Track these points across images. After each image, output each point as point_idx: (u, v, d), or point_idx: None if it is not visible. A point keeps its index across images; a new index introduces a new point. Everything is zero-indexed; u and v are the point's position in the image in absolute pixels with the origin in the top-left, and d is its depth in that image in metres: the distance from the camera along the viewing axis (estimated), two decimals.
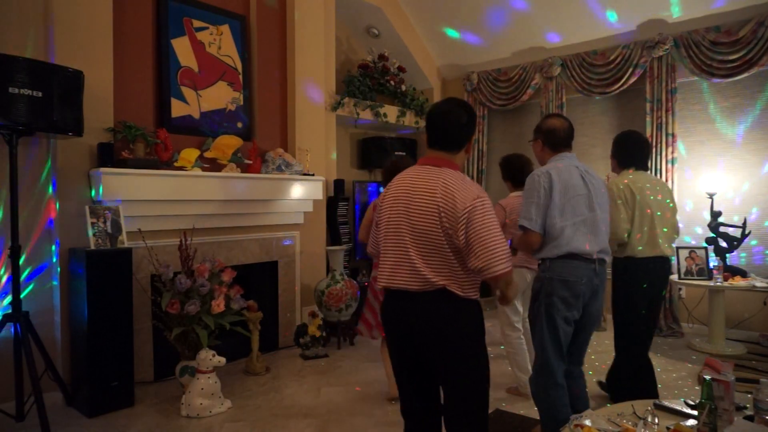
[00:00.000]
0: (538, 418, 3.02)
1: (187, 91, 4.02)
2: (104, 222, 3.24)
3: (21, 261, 2.97)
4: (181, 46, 4.00)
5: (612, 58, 5.26)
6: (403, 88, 6.05)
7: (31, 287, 3.25)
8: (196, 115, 4.08)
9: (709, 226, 4.58)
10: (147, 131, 3.65)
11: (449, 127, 1.87)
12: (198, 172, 3.83)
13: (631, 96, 5.32)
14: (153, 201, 3.59)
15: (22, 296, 2.93)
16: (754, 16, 4.49)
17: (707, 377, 1.68)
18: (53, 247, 3.34)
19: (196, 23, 4.10)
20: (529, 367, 3.26)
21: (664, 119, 4.98)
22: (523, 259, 3.36)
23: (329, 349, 4.41)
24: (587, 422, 1.78)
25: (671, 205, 3.04)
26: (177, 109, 3.96)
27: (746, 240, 4.43)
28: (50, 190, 3.32)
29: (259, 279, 4.45)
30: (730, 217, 4.69)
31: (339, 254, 4.64)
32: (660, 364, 4.05)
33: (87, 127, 3.11)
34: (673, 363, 4.09)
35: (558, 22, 5.43)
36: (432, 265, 1.77)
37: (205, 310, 3.32)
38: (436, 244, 1.76)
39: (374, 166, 6.21)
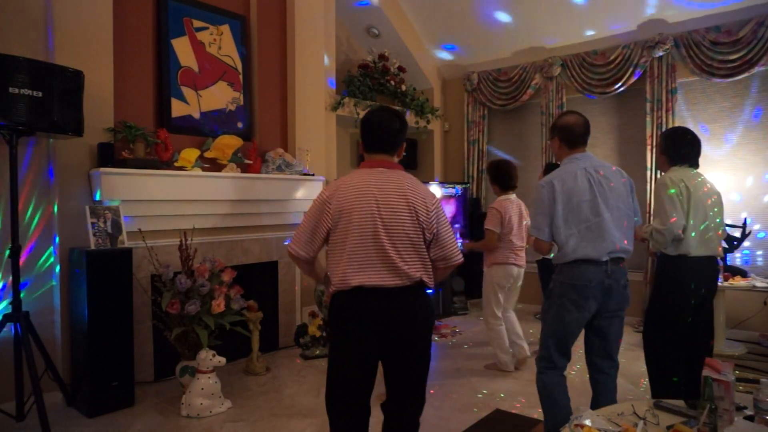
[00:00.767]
0: (538, 418, 3.04)
1: (187, 91, 4.02)
2: (104, 222, 3.24)
3: (21, 261, 2.97)
4: (181, 46, 4.00)
5: (612, 58, 5.26)
6: (403, 88, 6.05)
7: (31, 287, 3.25)
8: (196, 115, 4.08)
9: None
10: (147, 131, 3.65)
11: (387, 133, 2.03)
12: (198, 172, 3.83)
13: (632, 96, 5.32)
14: (153, 201, 3.59)
15: (22, 296, 2.93)
16: (754, 17, 4.49)
17: (707, 377, 1.68)
18: (53, 247, 3.34)
19: (196, 23, 4.10)
20: (508, 347, 3.92)
21: (664, 119, 4.98)
22: (508, 256, 3.84)
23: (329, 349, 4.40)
24: (587, 422, 1.78)
25: (720, 204, 2.92)
26: (177, 109, 3.96)
27: (746, 240, 4.43)
28: (50, 190, 3.32)
29: (259, 279, 4.45)
30: (730, 217, 4.68)
31: None
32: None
33: (87, 127, 3.11)
34: None
35: (558, 21, 5.43)
36: (408, 260, 1.90)
37: (205, 310, 3.32)
38: (412, 240, 1.91)
39: None
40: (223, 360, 3.23)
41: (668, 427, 1.70)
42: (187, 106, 4.02)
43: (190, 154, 3.82)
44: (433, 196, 2.02)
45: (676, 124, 4.97)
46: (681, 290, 2.78)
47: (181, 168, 3.78)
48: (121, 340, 3.21)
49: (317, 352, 4.25)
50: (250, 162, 4.23)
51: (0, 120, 2.63)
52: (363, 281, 1.86)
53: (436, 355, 4.02)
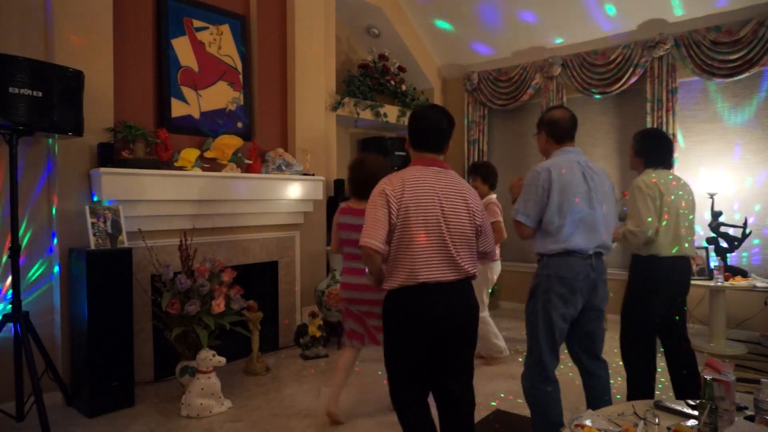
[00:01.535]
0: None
1: (187, 91, 4.02)
2: (104, 222, 3.24)
3: (21, 261, 2.97)
4: (181, 46, 4.00)
5: (612, 57, 5.26)
6: (404, 87, 6.05)
7: (31, 287, 3.25)
8: (196, 115, 4.08)
9: (709, 226, 4.57)
10: (147, 131, 3.65)
11: (439, 132, 2.13)
12: (198, 172, 3.83)
13: (632, 96, 5.32)
14: (153, 201, 3.58)
15: (22, 296, 2.93)
16: (754, 16, 4.49)
17: (708, 377, 1.67)
18: (53, 247, 3.33)
19: (196, 23, 4.10)
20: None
21: (664, 119, 4.98)
22: (498, 253, 4.11)
23: (329, 350, 4.40)
24: (587, 422, 1.78)
25: (693, 205, 2.98)
26: (177, 109, 3.96)
27: (746, 240, 4.43)
28: (50, 190, 3.32)
29: (260, 279, 4.45)
30: (730, 217, 4.68)
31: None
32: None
33: (87, 127, 3.11)
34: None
35: (558, 21, 5.43)
36: (464, 255, 2.04)
37: (205, 310, 3.32)
38: (468, 236, 2.06)
39: None
40: (223, 360, 3.23)
41: (668, 428, 1.70)
42: (187, 106, 4.02)
43: (190, 154, 3.82)
44: (476, 193, 2.19)
45: (677, 124, 4.97)
46: (652, 290, 2.83)
47: (181, 168, 3.77)
48: (121, 340, 3.21)
49: (318, 351, 4.25)
50: (250, 162, 4.23)
51: (0, 120, 2.62)
52: (428, 277, 1.95)
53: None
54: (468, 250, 2.06)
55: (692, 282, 4.36)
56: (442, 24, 6.07)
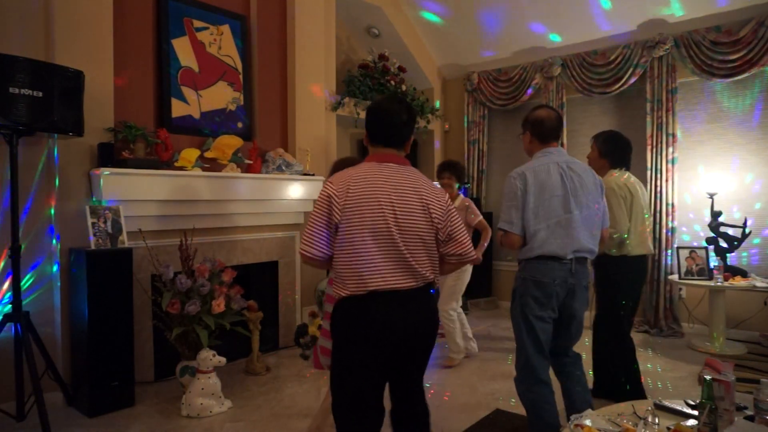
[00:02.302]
0: None
1: (187, 91, 4.02)
2: (104, 222, 3.24)
3: (21, 261, 2.97)
4: (182, 46, 4.00)
5: (612, 58, 5.26)
6: (404, 88, 6.05)
7: (31, 287, 3.25)
8: (197, 115, 4.08)
9: (709, 226, 4.58)
10: (147, 131, 3.65)
11: (396, 125, 1.91)
12: (198, 172, 3.83)
13: (632, 96, 5.32)
14: (153, 201, 3.59)
15: (22, 296, 2.93)
16: (754, 16, 4.49)
17: (708, 377, 1.67)
18: (53, 247, 3.33)
19: (197, 23, 4.10)
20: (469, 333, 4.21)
21: (664, 119, 4.98)
22: None
23: None
24: (587, 422, 1.78)
25: (647, 205, 3.17)
26: (177, 109, 3.96)
27: (746, 240, 4.43)
28: (51, 190, 3.32)
29: (260, 279, 4.45)
30: (730, 217, 4.69)
31: None
32: (660, 364, 4.06)
33: (87, 127, 3.11)
34: (673, 363, 4.09)
35: (558, 21, 5.43)
36: (420, 259, 1.83)
37: (205, 310, 3.32)
38: (424, 239, 1.84)
39: None
40: (223, 360, 3.23)
41: (668, 428, 1.70)
42: (188, 106, 4.02)
43: (190, 154, 3.82)
44: (444, 193, 1.96)
45: (677, 125, 4.97)
46: (621, 288, 2.97)
47: (181, 168, 3.77)
48: (122, 340, 3.22)
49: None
50: (251, 162, 4.23)
51: (0, 120, 2.63)
52: (379, 284, 1.76)
53: (435, 355, 4.02)
54: (426, 254, 1.84)
55: (693, 282, 4.46)
56: (442, 24, 6.07)
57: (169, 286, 3.33)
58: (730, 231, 4.51)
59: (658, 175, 4.99)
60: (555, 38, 5.63)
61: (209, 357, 3.19)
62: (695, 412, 1.79)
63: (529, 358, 2.35)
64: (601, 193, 2.47)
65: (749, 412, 1.83)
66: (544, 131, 2.44)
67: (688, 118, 5.02)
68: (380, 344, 1.78)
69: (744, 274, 4.39)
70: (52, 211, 3.32)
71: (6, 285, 3.13)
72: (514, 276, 2.50)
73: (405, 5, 6.05)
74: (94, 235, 3.18)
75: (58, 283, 3.31)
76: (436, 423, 2.89)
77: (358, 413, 1.83)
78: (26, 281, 3.21)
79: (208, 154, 4.02)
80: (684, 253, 4.53)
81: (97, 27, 3.42)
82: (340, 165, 2.64)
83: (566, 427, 1.81)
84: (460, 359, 4.08)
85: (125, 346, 3.24)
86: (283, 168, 4.37)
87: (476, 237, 4.04)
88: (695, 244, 4.87)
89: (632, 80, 5.15)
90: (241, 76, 4.40)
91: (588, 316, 2.84)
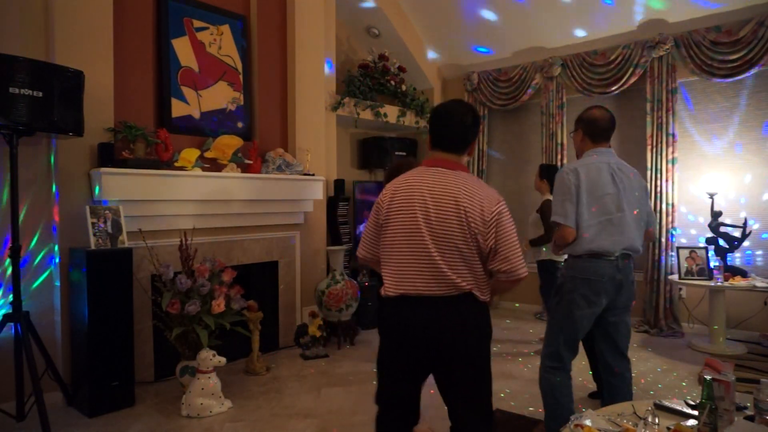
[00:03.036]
0: (538, 417, 3.03)
1: (187, 91, 4.02)
2: (105, 222, 3.24)
3: (21, 261, 2.97)
4: (182, 46, 4.00)
5: (612, 58, 5.26)
6: (404, 88, 6.05)
7: (31, 287, 3.25)
8: (197, 115, 4.08)
9: (709, 226, 4.58)
10: (147, 131, 3.65)
11: (457, 129, 1.85)
12: (198, 172, 3.83)
13: (632, 96, 5.32)
14: (153, 201, 3.59)
15: (22, 296, 2.93)
16: (754, 16, 4.49)
17: (708, 377, 1.67)
18: (54, 247, 3.34)
19: (197, 23, 4.10)
20: None
21: (664, 119, 4.98)
22: None
23: (329, 349, 4.41)
24: (587, 422, 1.78)
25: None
26: (177, 109, 3.96)
27: (746, 240, 4.44)
28: (51, 190, 3.32)
29: (260, 279, 4.45)
30: (730, 217, 4.68)
31: (339, 254, 4.65)
32: (660, 363, 4.06)
33: (87, 127, 3.11)
34: (673, 363, 4.09)
35: (558, 21, 5.43)
36: (456, 269, 1.75)
37: (205, 310, 3.32)
38: (459, 248, 1.74)
39: (374, 166, 6.21)
40: (223, 360, 3.23)
41: (668, 428, 1.70)
42: (188, 106, 4.03)
43: (190, 154, 3.83)
44: (498, 201, 1.78)
45: (677, 125, 4.97)
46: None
47: (181, 168, 3.78)
48: (122, 340, 3.22)
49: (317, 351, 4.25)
50: (251, 162, 4.23)
51: (0, 120, 2.63)
52: (408, 289, 1.76)
53: None
54: (466, 266, 1.75)
55: (692, 282, 4.46)
56: (442, 24, 6.06)
57: (169, 286, 3.33)
58: (731, 231, 4.51)
59: (658, 175, 4.99)
60: (555, 38, 5.62)
61: (209, 357, 3.19)
62: (695, 412, 1.79)
63: (559, 348, 2.42)
64: (646, 195, 2.53)
65: (749, 412, 1.83)
66: (597, 131, 2.46)
67: (688, 118, 5.02)
68: (405, 346, 1.81)
69: (744, 274, 4.39)
70: (53, 211, 3.32)
71: (6, 285, 3.13)
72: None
73: (405, 5, 6.04)
74: (94, 235, 3.18)
75: (58, 283, 3.31)
76: (434, 421, 2.89)
77: (385, 409, 1.93)
78: (26, 281, 3.21)
79: (208, 154, 4.02)
80: (684, 253, 4.53)
81: (97, 27, 3.42)
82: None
83: (566, 426, 1.81)
84: None
85: (125, 346, 3.24)
86: (283, 168, 4.37)
87: None
88: (695, 244, 4.87)
89: (632, 80, 5.15)
90: (241, 76, 4.40)
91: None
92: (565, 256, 2.53)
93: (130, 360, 3.27)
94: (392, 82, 5.90)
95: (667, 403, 1.96)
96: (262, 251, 4.39)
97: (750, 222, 4.56)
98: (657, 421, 1.74)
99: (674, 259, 4.89)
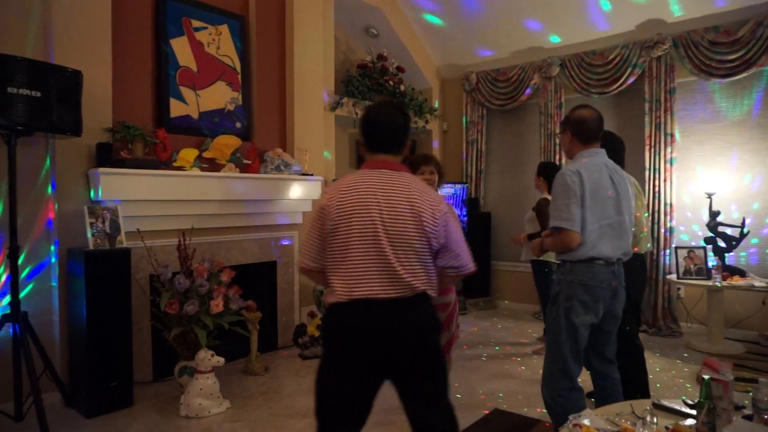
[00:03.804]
0: (536, 418, 3.04)
1: (185, 91, 4.02)
2: (103, 222, 3.24)
3: (20, 261, 2.97)
4: (180, 46, 3.99)
5: (611, 58, 5.26)
6: (402, 88, 6.05)
7: (29, 287, 3.24)
8: (195, 115, 4.08)
9: (707, 225, 4.58)
10: (146, 131, 3.65)
11: (390, 130, 1.88)
12: (197, 172, 3.82)
13: (630, 96, 5.33)
14: (152, 201, 3.58)
15: (20, 296, 2.92)
16: (752, 17, 4.50)
17: (706, 377, 1.68)
18: (52, 247, 3.33)
19: (195, 23, 4.10)
20: None
21: (662, 119, 4.98)
22: None
23: None
24: (586, 421, 1.78)
25: (642, 205, 3.13)
26: (176, 109, 3.95)
27: (744, 240, 4.44)
28: (49, 190, 3.31)
29: (258, 279, 4.44)
30: (728, 217, 4.69)
31: None
32: (659, 363, 4.06)
33: (86, 127, 3.11)
34: (672, 363, 4.10)
35: (557, 21, 5.43)
36: (410, 269, 1.76)
37: (203, 311, 3.32)
38: (415, 248, 1.76)
39: None
40: (221, 360, 3.23)
41: (667, 427, 1.70)
42: (186, 106, 4.02)
43: (188, 154, 3.82)
44: (442, 201, 1.86)
45: (675, 125, 4.98)
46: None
47: (179, 168, 3.77)
48: (120, 340, 3.21)
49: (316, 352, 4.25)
50: (249, 162, 4.22)
51: None
52: (364, 292, 1.73)
53: None
54: (420, 265, 1.77)
55: (691, 281, 4.46)
56: (441, 24, 6.07)
57: (167, 286, 3.33)
58: (729, 231, 4.52)
59: (657, 175, 5.00)
60: (554, 39, 5.63)
61: (208, 357, 3.18)
62: (694, 412, 1.79)
63: (567, 363, 2.28)
64: (634, 199, 2.48)
65: (747, 412, 1.84)
66: (586, 131, 2.36)
67: (687, 118, 5.03)
68: (360, 352, 1.75)
69: (742, 273, 4.40)
70: (51, 211, 3.31)
71: (4, 285, 3.12)
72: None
73: (403, 5, 6.05)
74: (93, 235, 3.18)
75: (57, 284, 3.30)
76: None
77: (330, 422, 1.84)
78: (24, 281, 3.21)
79: (206, 154, 4.02)
80: (682, 253, 4.54)
81: (96, 27, 3.41)
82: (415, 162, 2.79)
83: (565, 426, 1.81)
84: None
85: (124, 347, 3.23)
86: (282, 168, 4.37)
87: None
88: (693, 243, 4.88)
89: (631, 80, 5.16)
90: (239, 76, 4.39)
91: None
92: (554, 256, 2.50)
93: (128, 360, 3.26)
94: (391, 83, 5.90)
95: (665, 403, 1.96)
96: (261, 251, 4.39)
97: (748, 221, 4.57)
98: (655, 420, 1.74)
99: (666, 259, 4.90)
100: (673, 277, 4.62)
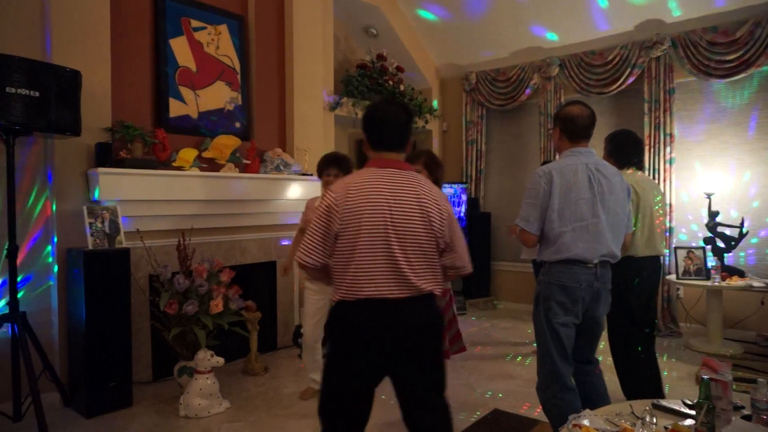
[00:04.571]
0: (535, 419, 3.04)
1: (185, 91, 4.02)
2: (102, 222, 3.23)
3: (18, 261, 2.96)
4: (179, 46, 3.99)
5: (610, 58, 5.27)
6: (402, 88, 6.04)
7: (28, 288, 3.24)
8: (194, 115, 4.08)
9: (707, 225, 4.59)
10: (145, 131, 3.64)
11: (394, 128, 1.87)
12: (196, 172, 3.82)
13: (629, 96, 5.33)
14: (151, 201, 3.58)
15: (19, 297, 2.92)
16: (750, 17, 4.51)
17: (705, 377, 1.68)
18: (51, 248, 3.33)
19: (194, 23, 4.10)
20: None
21: (662, 119, 4.99)
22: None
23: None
24: (585, 422, 1.78)
25: (661, 204, 3.10)
26: (175, 108, 3.95)
27: (743, 240, 4.44)
28: (48, 190, 3.31)
29: (258, 279, 4.44)
30: (726, 217, 4.70)
31: None
32: (658, 363, 4.05)
33: (85, 126, 3.11)
34: (671, 363, 4.10)
35: (556, 21, 5.43)
36: (418, 270, 1.77)
37: (203, 311, 3.31)
38: (424, 248, 1.78)
39: None
40: (221, 360, 3.23)
41: (666, 427, 1.70)
42: (185, 105, 4.02)
43: (188, 154, 3.82)
44: (446, 200, 1.87)
45: (675, 125, 4.98)
46: (626, 290, 2.87)
47: (179, 168, 3.77)
48: (119, 340, 3.21)
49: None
50: (249, 162, 4.22)
51: None
52: (371, 293, 1.73)
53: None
54: (427, 265, 1.79)
55: (690, 282, 4.45)
56: (440, 24, 6.07)
57: (167, 287, 3.32)
58: (728, 231, 4.53)
59: (656, 175, 5.00)
60: (553, 38, 5.63)
61: (207, 357, 3.18)
62: (693, 412, 1.79)
63: (555, 365, 2.28)
64: (628, 197, 2.42)
65: (747, 412, 1.84)
66: (575, 129, 2.33)
67: (686, 118, 5.04)
68: (364, 351, 1.77)
69: (741, 273, 4.40)
70: (50, 212, 3.31)
71: (3, 285, 3.12)
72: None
73: (403, 5, 6.05)
74: (92, 235, 3.17)
75: (56, 284, 3.30)
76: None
77: (334, 419, 1.84)
78: (23, 282, 3.20)
79: (206, 154, 4.01)
80: (682, 253, 4.54)
81: (95, 26, 3.41)
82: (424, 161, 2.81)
83: (565, 426, 1.81)
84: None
85: (123, 347, 3.23)
86: (282, 168, 4.37)
87: None
88: (693, 244, 4.88)
89: (630, 80, 5.17)
90: (238, 76, 4.39)
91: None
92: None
93: (127, 360, 3.26)
94: (390, 82, 5.89)
95: (664, 403, 1.96)
96: (260, 251, 4.39)
97: (747, 221, 4.57)
98: (655, 420, 1.74)
99: (666, 259, 4.89)
100: (673, 277, 4.62)
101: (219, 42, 4.26)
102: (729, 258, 4.61)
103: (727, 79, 4.68)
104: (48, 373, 3.04)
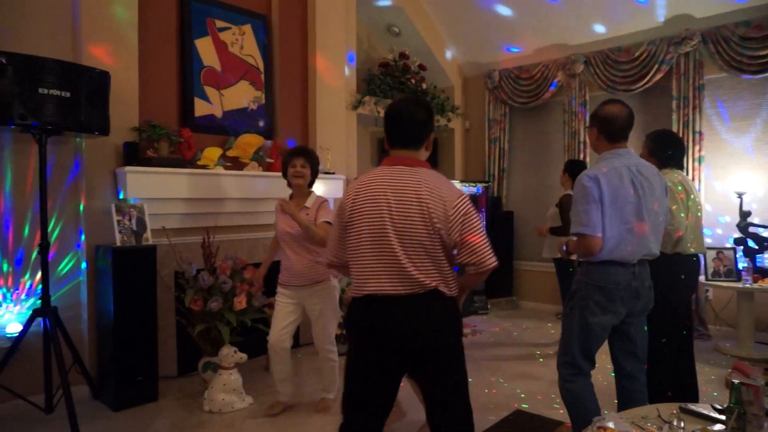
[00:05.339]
0: (558, 420, 3.00)
1: (209, 91, 4.07)
2: (130, 219, 3.30)
3: (50, 257, 3.04)
4: (204, 46, 4.05)
5: (637, 54, 5.16)
6: (424, 86, 6.03)
7: (59, 283, 3.33)
8: (219, 115, 4.13)
9: (738, 226, 4.46)
10: (171, 130, 3.70)
11: (408, 126, 1.87)
12: (220, 170, 3.87)
13: (657, 93, 5.22)
14: (177, 199, 3.64)
15: (50, 292, 3.00)
16: None
17: (736, 381, 1.63)
18: (81, 244, 3.41)
19: (219, 23, 4.15)
20: None
21: (690, 116, 4.87)
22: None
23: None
24: (610, 425, 1.75)
25: (700, 204, 3.08)
26: (200, 108, 4.01)
27: None
28: (78, 188, 3.39)
29: None
30: (759, 216, 4.56)
31: None
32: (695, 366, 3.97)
33: (113, 126, 3.17)
34: (700, 366, 3.97)
35: (581, 18, 5.34)
36: (421, 267, 1.76)
37: (227, 307, 3.36)
38: (425, 246, 1.76)
39: None
40: (244, 356, 3.26)
41: None
42: (210, 105, 4.07)
43: (212, 153, 3.87)
44: (459, 196, 1.80)
45: (703, 122, 4.86)
46: (673, 287, 2.83)
47: (203, 166, 3.82)
48: (146, 335, 3.27)
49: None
50: (272, 161, 4.26)
51: (30, 120, 2.69)
52: (374, 289, 1.77)
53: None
54: (431, 262, 1.77)
55: (720, 283, 4.35)
56: (463, 21, 6.02)
57: (191, 283, 3.38)
58: (760, 231, 4.40)
59: (685, 174, 4.89)
60: (577, 35, 5.54)
61: (231, 353, 3.22)
62: (722, 417, 1.75)
63: (575, 359, 2.32)
64: (666, 195, 2.41)
65: None
66: (614, 130, 2.30)
67: (715, 115, 4.91)
68: (373, 346, 1.80)
69: None
70: (80, 209, 3.39)
71: (36, 280, 3.21)
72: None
73: (426, 4, 6.02)
74: (120, 232, 3.24)
75: (85, 279, 3.38)
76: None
77: (353, 415, 1.86)
78: (55, 277, 3.29)
79: (230, 153, 4.07)
80: (711, 254, 4.43)
81: (123, 28, 3.48)
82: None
83: (589, 428, 1.79)
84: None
85: (149, 342, 3.30)
86: None
87: None
88: (725, 244, 4.75)
89: (657, 77, 5.05)
90: (262, 76, 4.43)
91: None
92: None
93: (153, 355, 3.32)
94: (413, 81, 5.88)
95: (693, 407, 1.91)
96: None
97: None
98: (683, 425, 1.70)
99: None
100: (702, 278, 4.51)
101: (243, 42, 4.30)
102: (761, 259, 4.48)
103: (760, 75, 4.54)
104: (78, 366, 3.11)
